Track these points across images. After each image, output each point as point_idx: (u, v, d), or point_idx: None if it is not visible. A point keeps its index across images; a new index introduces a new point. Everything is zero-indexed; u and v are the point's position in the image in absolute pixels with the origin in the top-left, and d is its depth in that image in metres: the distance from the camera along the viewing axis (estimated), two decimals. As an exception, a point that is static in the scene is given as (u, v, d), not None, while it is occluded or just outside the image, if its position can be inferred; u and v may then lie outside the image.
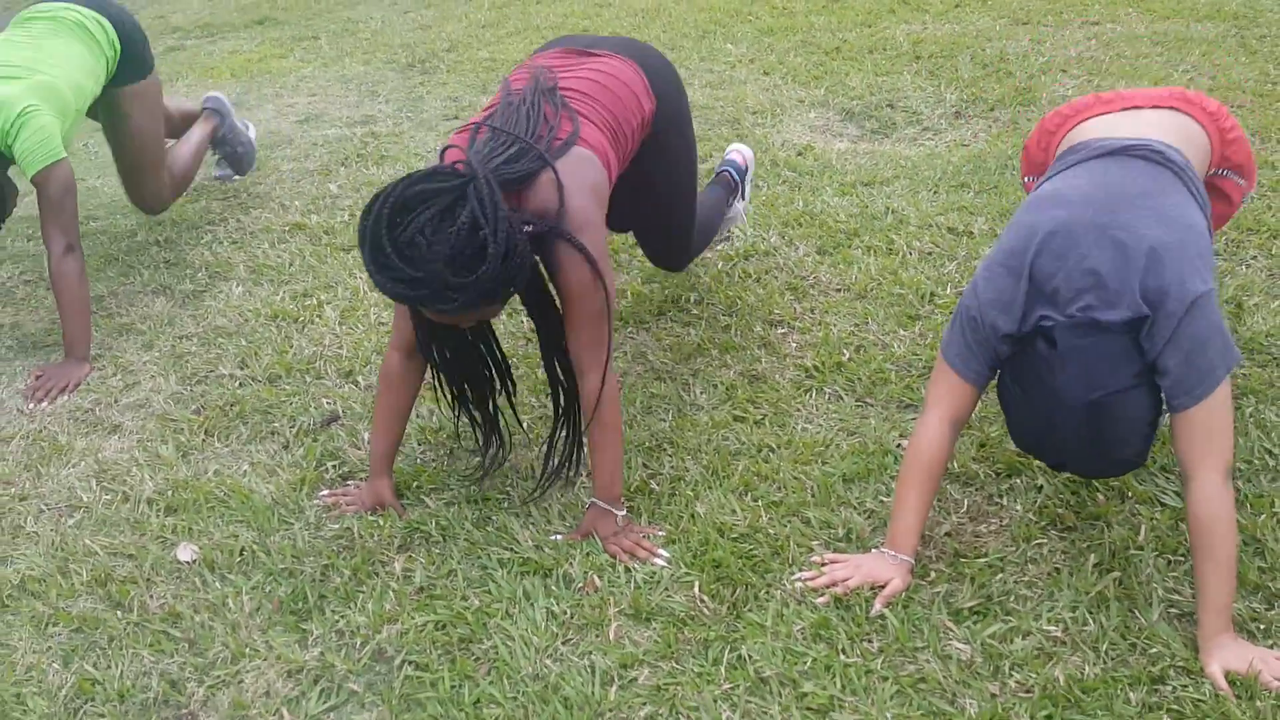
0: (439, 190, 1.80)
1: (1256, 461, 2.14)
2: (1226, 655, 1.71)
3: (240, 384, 2.68)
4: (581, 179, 2.01)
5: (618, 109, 2.20)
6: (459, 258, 1.76)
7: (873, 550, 1.97)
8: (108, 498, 2.30)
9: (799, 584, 1.93)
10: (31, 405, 2.65)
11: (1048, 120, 2.24)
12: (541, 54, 2.37)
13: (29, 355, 2.92)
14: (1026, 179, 2.34)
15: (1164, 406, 1.78)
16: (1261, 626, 1.79)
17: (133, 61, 3.10)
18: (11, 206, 3.06)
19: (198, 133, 3.58)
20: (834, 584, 1.91)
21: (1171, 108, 2.11)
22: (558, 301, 2.05)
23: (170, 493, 2.30)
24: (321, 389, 2.63)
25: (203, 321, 2.99)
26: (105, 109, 3.15)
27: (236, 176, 3.90)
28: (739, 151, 3.04)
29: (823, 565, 1.97)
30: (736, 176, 2.96)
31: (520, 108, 2.06)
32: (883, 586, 1.89)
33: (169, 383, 2.70)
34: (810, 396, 2.46)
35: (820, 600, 1.88)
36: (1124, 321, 1.72)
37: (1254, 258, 2.85)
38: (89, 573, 2.08)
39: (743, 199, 3.01)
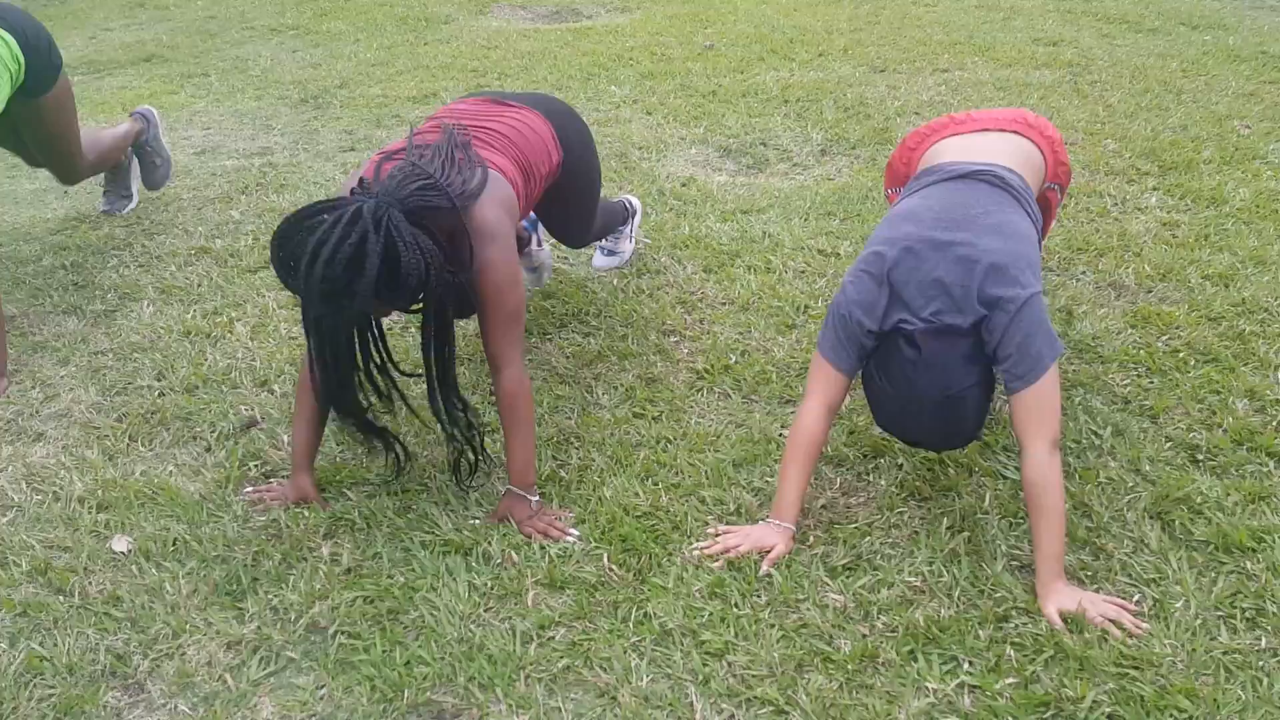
0: (342, 218, 1.94)
1: (1084, 441, 2.47)
2: (1060, 598, 2.00)
3: (159, 394, 2.80)
4: (492, 195, 2.24)
5: (530, 154, 2.47)
6: (374, 276, 1.93)
7: (759, 521, 2.22)
8: (39, 498, 2.40)
9: (696, 552, 2.16)
10: (-49, 417, 2.72)
11: (909, 138, 2.58)
12: (461, 101, 2.61)
13: (-60, 372, 2.98)
14: (889, 190, 2.68)
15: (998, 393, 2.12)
16: (1089, 574, 2.09)
17: (41, 69, 3.11)
18: None
19: (123, 128, 3.80)
20: (726, 550, 2.15)
21: (1016, 132, 2.47)
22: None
23: (100, 492, 2.41)
24: (238, 397, 2.77)
25: (116, 338, 3.09)
26: (25, 117, 3.22)
27: (125, 209, 4.01)
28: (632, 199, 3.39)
29: (716, 535, 2.21)
30: (632, 206, 3.26)
31: (435, 156, 2.17)
32: (769, 551, 2.14)
33: (89, 394, 2.80)
34: (702, 395, 2.72)
35: (716, 565, 2.12)
36: (969, 325, 2.05)
37: (1083, 273, 3.23)
38: (28, 563, 2.18)
39: (630, 239, 3.32)
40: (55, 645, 1.98)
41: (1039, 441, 2.03)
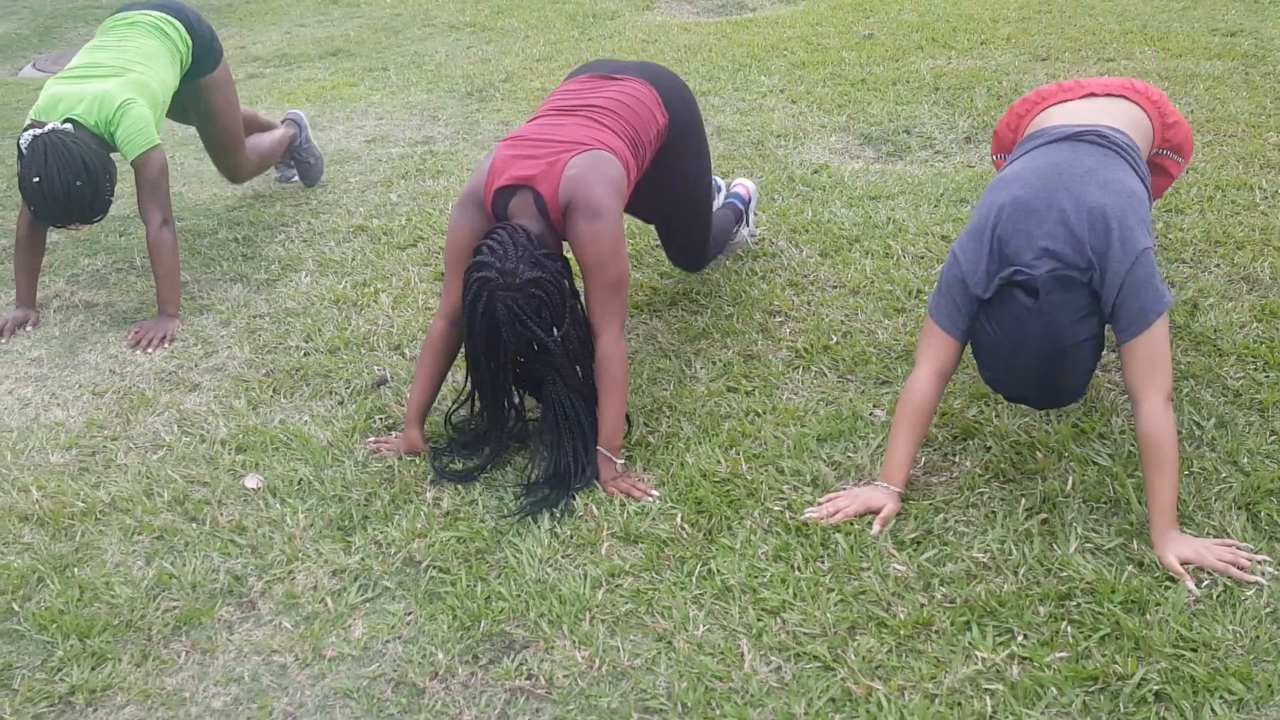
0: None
1: (1184, 431, 2.41)
2: (1179, 547, 2.04)
3: (305, 354, 3.07)
4: (601, 173, 2.41)
5: (636, 122, 2.60)
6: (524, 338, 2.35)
7: (866, 484, 2.29)
8: (187, 439, 2.69)
9: (807, 517, 2.23)
10: (136, 352, 3.12)
11: (1017, 105, 2.60)
12: (572, 79, 2.77)
13: (120, 329, 3.34)
14: (995, 156, 2.71)
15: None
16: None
17: (204, 53, 3.57)
18: (111, 186, 3.24)
19: (280, 132, 4.16)
20: (836, 512, 2.23)
21: (1122, 96, 2.48)
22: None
23: (241, 436, 2.68)
24: (374, 359, 3.01)
25: (274, 304, 3.39)
26: (191, 100, 3.65)
27: (296, 178, 4.41)
28: (743, 185, 3.48)
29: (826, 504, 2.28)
30: (741, 206, 3.36)
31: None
32: (878, 511, 2.21)
33: (243, 351, 3.10)
34: (798, 373, 2.78)
35: (827, 523, 2.20)
36: (1085, 279, 2.07)
37: (1217, 265, 3.12)
38: (169, 495, 2.46)
39: (748, 225, 3.41)
40: (183, 565, 2.24)
41: (1153, 394, 2.06)
